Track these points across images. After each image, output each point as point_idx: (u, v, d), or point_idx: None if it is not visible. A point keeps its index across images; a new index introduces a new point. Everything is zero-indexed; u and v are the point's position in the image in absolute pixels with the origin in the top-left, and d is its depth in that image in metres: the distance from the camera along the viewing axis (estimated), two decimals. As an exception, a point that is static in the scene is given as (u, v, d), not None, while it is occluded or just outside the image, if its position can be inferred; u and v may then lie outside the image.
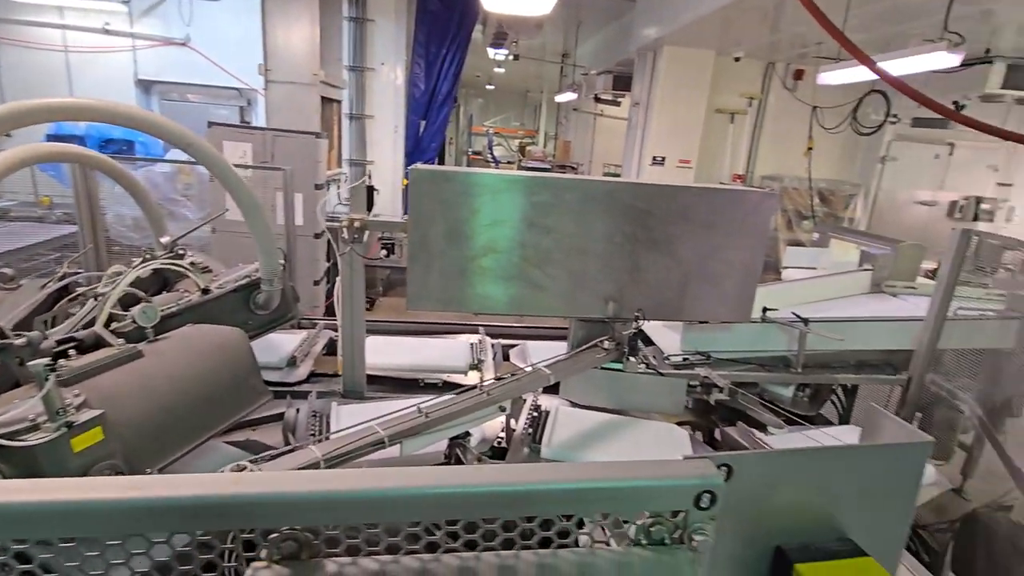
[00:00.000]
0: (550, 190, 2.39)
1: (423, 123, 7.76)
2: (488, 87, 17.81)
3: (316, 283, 5.06)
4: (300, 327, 3.19)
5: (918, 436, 0.57)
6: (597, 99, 10.51)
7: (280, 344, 2.83)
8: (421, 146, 7.79)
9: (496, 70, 13.02)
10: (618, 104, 10.25)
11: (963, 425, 2.98)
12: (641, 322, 2.46)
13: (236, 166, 2.10)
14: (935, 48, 3.59)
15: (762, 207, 2.52)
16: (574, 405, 2.64)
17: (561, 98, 12.24)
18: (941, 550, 2.64)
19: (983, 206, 8.94)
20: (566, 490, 0.35)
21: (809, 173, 7.81)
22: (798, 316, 2.85)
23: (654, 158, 7.88)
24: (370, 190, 2.18)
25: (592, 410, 2.58)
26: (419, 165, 2.23)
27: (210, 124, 4.63)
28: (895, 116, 8.04)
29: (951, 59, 3.59)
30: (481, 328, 3.36)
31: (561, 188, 2.39)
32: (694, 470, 0.41)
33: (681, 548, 0.40)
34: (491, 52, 9.60)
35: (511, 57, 10.79)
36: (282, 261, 2.14)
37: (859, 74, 4.76)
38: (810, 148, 7.66)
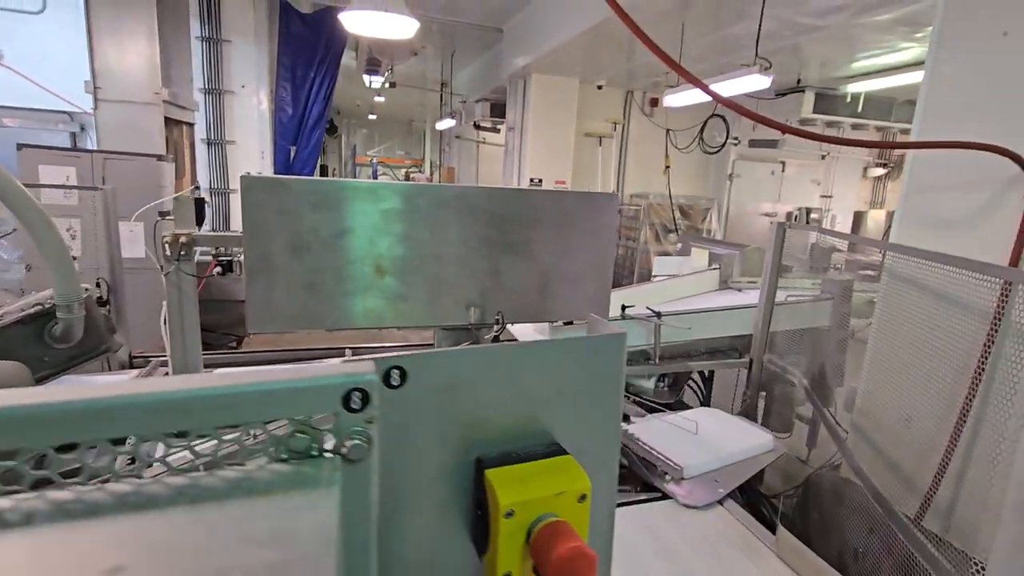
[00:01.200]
0: (399, 196, 2.35)
1: (293, 149, 7.43)
2: (371, 117, 17.59)
3: (168, 319, 4.54)
4: (132, 366, 2.83)
5: (615, 330, 0.59)
6: (477, 126, 10.78)
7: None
8: (292, 171, 7.44)
9: (377, 99, 12.91)
10: (497, 131, 10.59)
11: (799, 398, 3.33)
12: (499, 327, 2.47)
13: (51, 186, 1.83)
14: (749, 72, 4.13)
15: (607, 207, 2.67)
16: (443, 416, 2.57)
17: (441, 126, 12.39)
18: (790, 514, 2.89)
19: (812, 215, 10.34)
20: (160, 401, 0.30)
21: (669, 190, 8.54)
22: (652, 310, 3.04)
23: (532, 180, 8.19)
24: (199, 203, 1.99)
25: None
26: (250, 173, 2.08)
27: (20, 146, 4.03)
28: (736, 138, 9.10)
29: (763, 80, 4.15)
30: (348, 350, 3.20)
31: (412, 194, 2.36)
32: (339, 369, 0.38)
33: (329, 459, 0.36)
34: (367, 79, 9.51)
35: (388, 85, 10.76)
36: (87, 286, 1.88)
37: (695, 96, 5.34)
38: (667, 167, 8.40)
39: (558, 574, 0.49)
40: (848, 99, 7.77)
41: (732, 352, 3.31)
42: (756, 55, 4.20)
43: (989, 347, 2.13)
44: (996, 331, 2.09)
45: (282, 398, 0.33)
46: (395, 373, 0.44)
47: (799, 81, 7.40)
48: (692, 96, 5.36)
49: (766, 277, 3.16)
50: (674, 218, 8.62)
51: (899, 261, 2.65)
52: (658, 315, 3.01)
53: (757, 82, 4.16)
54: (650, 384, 3.13)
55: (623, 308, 3.13)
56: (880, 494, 2.09)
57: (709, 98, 5.63)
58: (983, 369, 2.17)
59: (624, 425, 2.51)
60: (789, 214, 10.17)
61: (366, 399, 0.36)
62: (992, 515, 1.81)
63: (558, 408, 0.53)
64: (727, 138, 7.47)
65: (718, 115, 7.51)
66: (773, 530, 1.91)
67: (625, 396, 2.88)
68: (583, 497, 0.58)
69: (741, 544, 1.84)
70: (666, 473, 2.15)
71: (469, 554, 0.53)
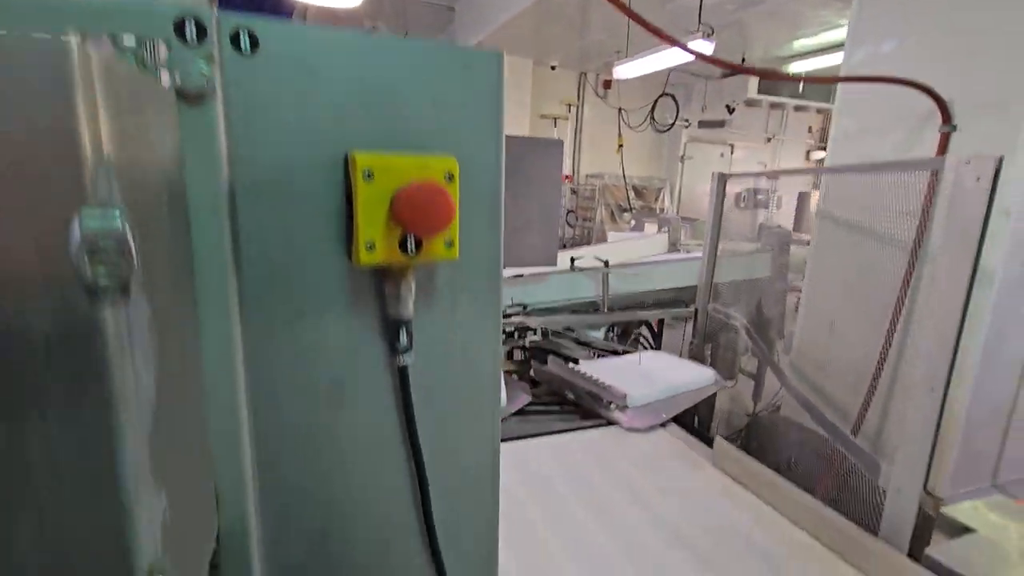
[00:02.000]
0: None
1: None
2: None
3: None
4: None
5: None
6: (432, 110, 10.67)
7: None
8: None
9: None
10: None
11: (743, 346, 3.45)
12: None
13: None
14: (693, 37, 4.24)
15: (551, 152, 2.70)
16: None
17: (397, 110, 12.22)
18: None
19: (759, 196, 10.70)
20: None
21: (623, 170, 8.68)
22: (600, 259, 3.09)
23: (487, 160, 8.17)
24: None
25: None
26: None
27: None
28: (687, 120, 9.33)
29: (707, 46, 4.28)
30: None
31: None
32: (172, -3, 0.35)
33: (164, 91, 0.34)
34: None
35: (340, 67, 10.51)
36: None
37: (645, 66, 5.44)
38: (620, 145, 8.54)
39: (409, 207, 0.46)
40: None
41: (679, 303, 3.39)
42: (699, 22, 4.32)
43: (910, 275, 2.26)
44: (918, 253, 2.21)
45: (106, 10, 0.31)
46: (244, 35, 0.41)
47: (743, 60, 7.64)
48: (643, 66, 5.46)
49: (708, 227, 3.25)
50: (628, 198, 8.77)
51: (829, 206, 2.78)
52: (605, 263, 3.06)
53: (702, 47, 4.28)
54: (600, 334, 3.18)
55: (572, 260, 3.17)
56: (813, 405, 2.19)
57: (659, 69, 5.71)
58: (903, 302, 2.29)
59: (572, 365, 2.54)
60: (738, 195, 10.49)
61: (202, 32, 0.34)
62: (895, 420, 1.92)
63: (433, 118, 0.52)
64: (677, 116, 7.65)
65: (668, 94, 7.67)
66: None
67: (575, 342, 2.92)
68: (451, 176, 0.54)
69: (680, 458, 1.89)
70: (611, 403, 2.18)
71: (342, 261, 0.49)
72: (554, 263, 2.79)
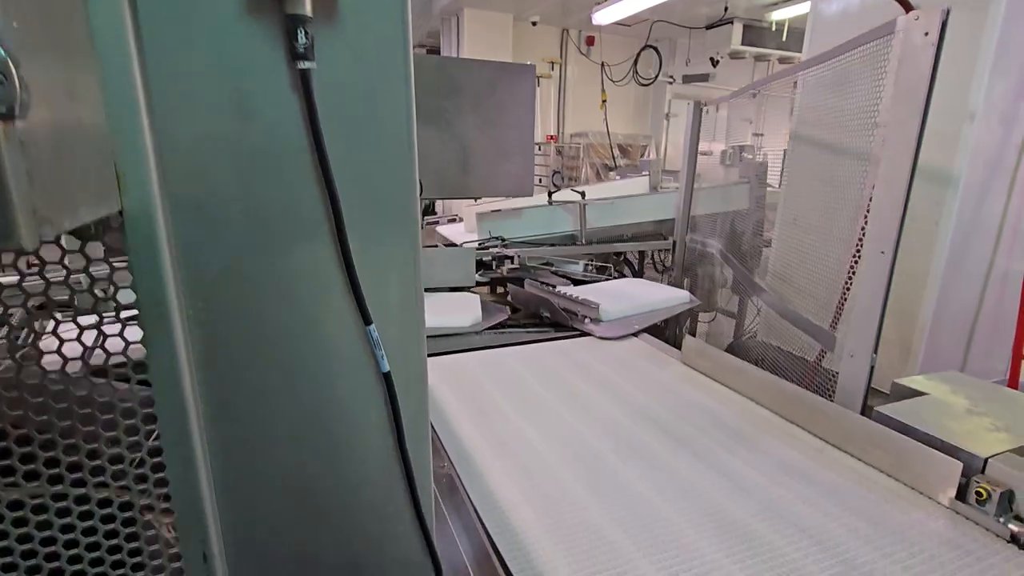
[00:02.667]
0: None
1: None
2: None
3: None
4: None
5: None
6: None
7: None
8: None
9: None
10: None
11: (720, 279, 3.49)
12: (421, 196, 2.45)
13: None
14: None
15: (523, 76, 2.68)
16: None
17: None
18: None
19: (744, 154, 10.66)
20: None
21: (607, 127, 8.61)
22: (576, 191, 3.10)
23: (470, 120, 8.07)
24: None
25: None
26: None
27: None
28: (671, 77, 9.22)
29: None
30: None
31: (317, 55, 2.28)
32: None
33: None
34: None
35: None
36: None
37: (626, 8, 5.37)
38: (604, 101, 8.46)
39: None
40: (773, 28, 7.98)
41: (658, 237, 3.42)
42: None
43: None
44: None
45: None
46: None
47: (726, 9, 7.53)
48: (623, 9, 5.39)
49: (684, 158, 3.26)
50: (613, 155, 8.73)
51: (801, 125, 2.79)
52: (582, 194, 3.06)
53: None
54: (579, 268, 3.20)
55: (549, 194, 3.17)
56: (784, 304, 2.24)
57: (640, 10, 5.62)
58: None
59: (548, 286, 2.56)
60: (724, 152, 10.45)
61: None
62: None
63: None
64: (660, 69, 7.56)
65: (651, 46, 7.58)
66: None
67: (554, 275, 2.94)
68: None
69: (650, 359, 1.94)
70: (585, 316, 2.22)
71: None
72: (530, 192, 2.80)
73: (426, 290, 0.64)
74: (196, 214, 0.51)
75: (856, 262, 2.46)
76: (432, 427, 0.90)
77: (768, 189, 3.67)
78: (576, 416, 1.49)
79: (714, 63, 8.53)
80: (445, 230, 3.80)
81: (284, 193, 0.55)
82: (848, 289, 2.48)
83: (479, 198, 3.06)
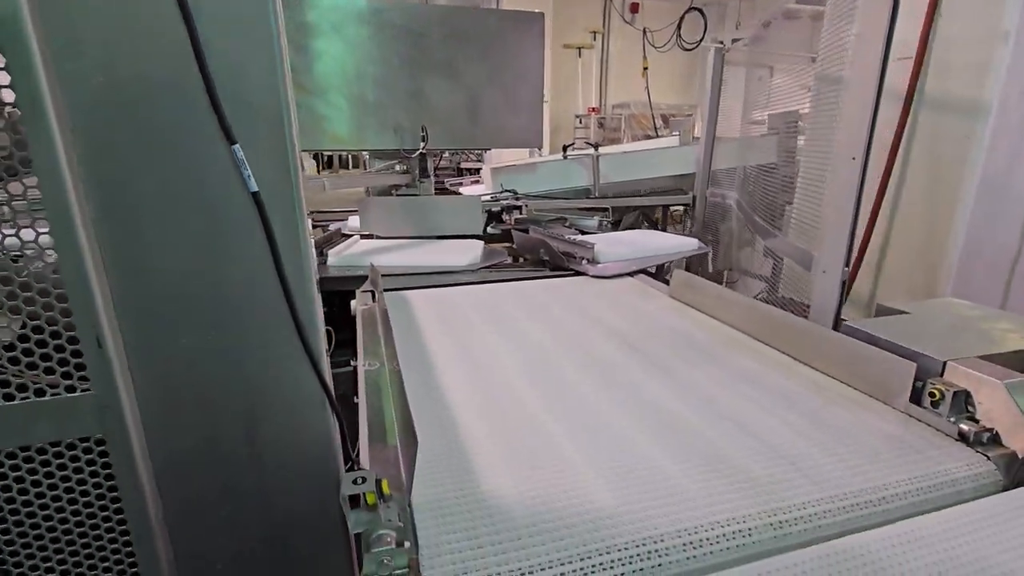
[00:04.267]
0: (315, 10, 2.36)
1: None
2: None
3: None
4: None
5: None
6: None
7: None
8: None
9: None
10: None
11: (743, 239, 3.37)
12: (424, 143, 2.52)
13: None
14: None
15: (532, 24, 2.67)
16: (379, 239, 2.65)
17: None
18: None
19: (801, 123, 10.08)
20: None
21: (649, 96, 8.36)
22: (590, 143, 3.07)
23: (509, 93, 8.06)
24: None
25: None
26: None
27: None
28: (720, 41, 8.82)
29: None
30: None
31: (324, 9, 2.37)
32: None
33: None
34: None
35: None
36: None
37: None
38: (646, 68, 8.21)
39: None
40: (831, -15, 7.46)
41: (677, 192, 3.34)
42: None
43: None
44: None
45: None
46: None
47: (776, -37, 7.10)
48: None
49: (705, 108, 3.15)
50: (655, 127, 8.48)
51: (826, 68, 2.64)
52: (595, 146, 3.04)
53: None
54: (594, 223, 3.19)
55: (564, 148, 3.16)
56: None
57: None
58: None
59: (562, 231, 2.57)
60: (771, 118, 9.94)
61: None
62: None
63: None
64: (705, 32, 7.25)
65: (696, 9, 7.28)
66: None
67: (567, 228, 2.94)
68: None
69: (639, 293, 1.93)
70: (583, 258, 2.22)
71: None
72: (540, 144, 2.80)
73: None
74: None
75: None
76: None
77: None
78: (546, 336, 1.51)
79: (766, 24, 8.08)
80: (467, 191, 3.86)
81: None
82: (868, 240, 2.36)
83: (487, 149, 3.10)
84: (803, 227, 2.76)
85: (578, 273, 2.16)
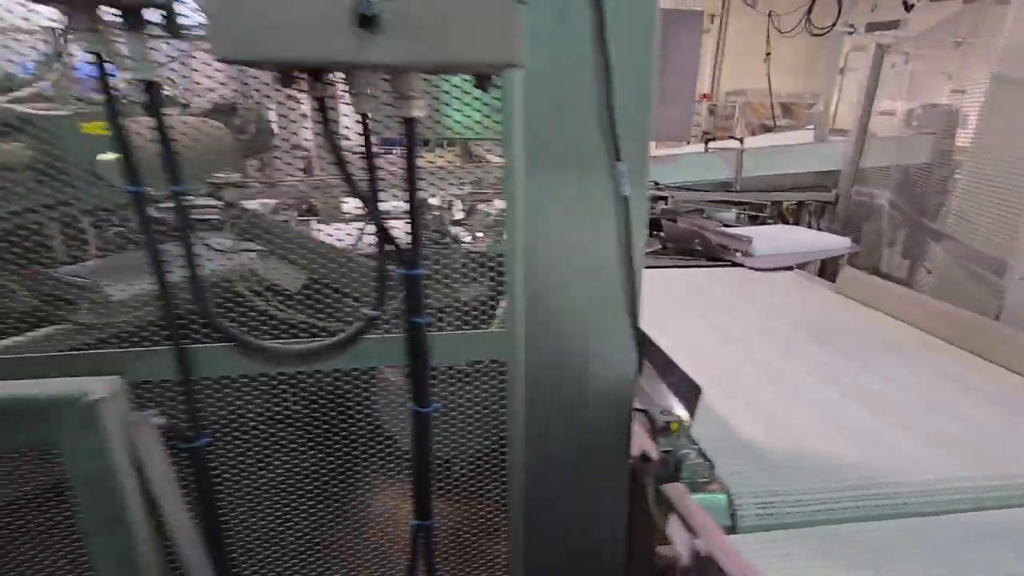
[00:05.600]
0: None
1: None
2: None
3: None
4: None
5: None
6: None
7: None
8: None
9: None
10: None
11: (887, 239, 3.29)
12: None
13: None
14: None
15: (691, 22, 2.77)
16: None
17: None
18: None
19: (937, 114, 9.24)
20: None
21: (769, 83, 8.03)
22: (734, 136, 3.12)
23: (621, 78, 8.04)
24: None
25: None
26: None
27: None
28: (851, 26, 8.25)
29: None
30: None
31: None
32: None
33: None
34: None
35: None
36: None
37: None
38: (768, 54, 7.87)
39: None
40: (993, -37, 6.76)
41: (819, 188, 3.32)
42: None
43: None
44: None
45: None
46: None
47: (931, -57, 6.54)
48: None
49: (860, 105, 3.10)
50: (773, 116, 8.14)
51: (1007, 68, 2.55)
52: (740, 140, 3.09)
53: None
54: (732, 215, 3.25)
55: (706, 141, 3.23)
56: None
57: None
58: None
59: (707, 222, 2.68)
60: (911, 111, 9.19)
61: None
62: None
63: None
64: (839, 16, 6.83)
65: (830, -9, 6.85)
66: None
67: (706, 220, 3.03)
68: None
69: (805, 289, 2.03)
70: (737, 250, 2.34)
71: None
72: (688, 138, 2.91)
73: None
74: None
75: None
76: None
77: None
78: (739, 321, 1.67)
79: (908, 7, 7.48)
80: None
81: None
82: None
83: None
84: (971, 229, 2.68)
85: (734, 264, 2.28)
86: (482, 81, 0.76)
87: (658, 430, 0.95)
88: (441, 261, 1.06)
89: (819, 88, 8.84)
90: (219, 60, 0.61)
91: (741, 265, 2.27)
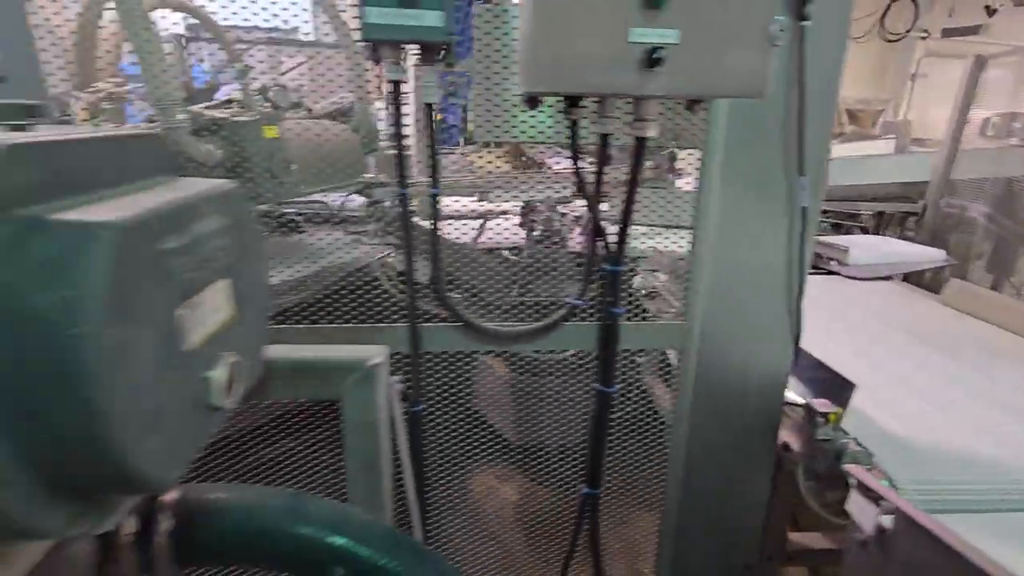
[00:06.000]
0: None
1: None
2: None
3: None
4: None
5: None
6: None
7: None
8: None
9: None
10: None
11: (976, 250, 3.24)
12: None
13: None
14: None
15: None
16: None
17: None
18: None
19: (1015, 124, 8.82)
20: None
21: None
22: (821, 147, 3.13)
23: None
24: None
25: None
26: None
27: None
28: (925, 31, 7.99)
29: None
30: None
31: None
32: None
33: None
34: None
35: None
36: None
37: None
38: (838, 61, 7.70)
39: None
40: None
41: (904, 200, 3.30)
42: None
43: None
44: None
45: None
46: None
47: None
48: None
49: (955, 113, 3.07)
50: (840, 121, 7.97)
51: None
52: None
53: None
54: (812, 224, 3.25)
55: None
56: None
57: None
58: None
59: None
60: (986, 120, 8.82)
61: None
62: None
63: None
64: (915, 21, 6.65)
65: (907, -4, 6.67)
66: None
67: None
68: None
69: (904, 297, 2.06)
70: (831, 258, 2.38)
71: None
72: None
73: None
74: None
75: None
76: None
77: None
78: (853, 327, 1.74)
79: (990, 11, 7.20)
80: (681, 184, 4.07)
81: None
82: None
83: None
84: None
85: (829, 272, 2.33)
86: (693, 104, 0.88)
87: (816, 421, 1.05)
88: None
89: (886, 94, 8.60)
90: (527, 91, 0.74)
91: (836, 273, 2.31)
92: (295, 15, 1.51)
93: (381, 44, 0.78)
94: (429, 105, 0.84)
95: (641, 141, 0.83)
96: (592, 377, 1.06)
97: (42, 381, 0.36)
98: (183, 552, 0.66)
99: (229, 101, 1.79)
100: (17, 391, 0.36)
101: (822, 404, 1.06)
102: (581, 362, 1.64)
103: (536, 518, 1.57)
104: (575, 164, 0.86)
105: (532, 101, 0.84)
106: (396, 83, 0.82)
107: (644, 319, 1.14)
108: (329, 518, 0.70)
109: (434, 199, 0.91)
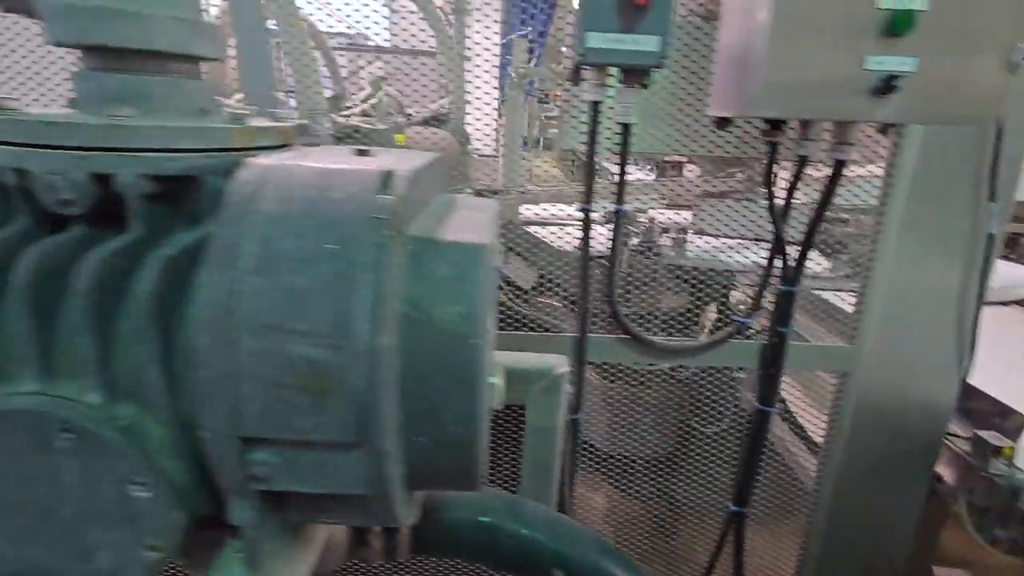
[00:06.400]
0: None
1: None
2: None
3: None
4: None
5: None
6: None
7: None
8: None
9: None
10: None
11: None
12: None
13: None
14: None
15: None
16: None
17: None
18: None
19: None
20: None
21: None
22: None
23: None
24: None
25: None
26: None
27: None
28: None
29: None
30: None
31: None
32: None
33: None
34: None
35: None
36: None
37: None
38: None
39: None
40: None
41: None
42: None
43: None
44: None
45: None
46: None
47: None
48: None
49: None
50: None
51: None
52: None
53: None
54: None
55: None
56: None
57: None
58: None
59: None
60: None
61: None
62: None
63: None
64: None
65: None
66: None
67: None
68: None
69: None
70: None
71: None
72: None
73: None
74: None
75: None
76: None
77: None
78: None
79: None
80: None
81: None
82: None
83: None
84: None
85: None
86: (888, 127, 0.87)
87: (986, 454, 1.01)
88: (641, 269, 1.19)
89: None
90: (743, 115, 0.76)
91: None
92: (375, 22, 1.61)
93: (589, 66, 0.81)
94: (627, 126, 0.86)
95: (840, 164, 0.83)
96: (688, 390, 1.08)
97: (441, 386, 0.40)
98: (419, 543, 0.71)
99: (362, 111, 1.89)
100: (417, 395, 0.41)
101: (994, 436, 1.02)
102: (674, 374, 1.63)
103: (621, 528, 1.58)
104: (768, 185, 0.86)
105: (722, 121, 0.85)
106: (595, 103, 0.86)
107: (749, 337, 1.13)
108: (545, 521, 0.74)
109: (618, 215, 0.94)
